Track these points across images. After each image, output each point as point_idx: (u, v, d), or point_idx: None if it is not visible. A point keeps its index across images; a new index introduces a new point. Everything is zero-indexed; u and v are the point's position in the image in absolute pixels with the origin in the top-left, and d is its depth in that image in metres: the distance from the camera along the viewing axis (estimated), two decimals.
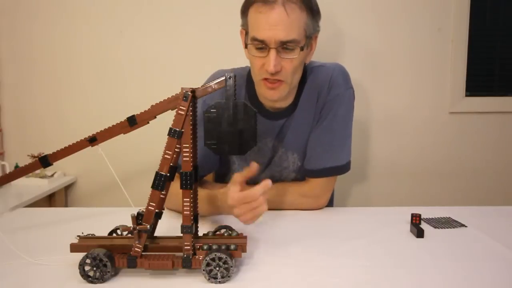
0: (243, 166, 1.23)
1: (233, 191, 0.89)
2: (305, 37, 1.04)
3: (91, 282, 0.73)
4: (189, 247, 0.74)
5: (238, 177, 0.91)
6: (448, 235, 0.96)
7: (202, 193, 1.00)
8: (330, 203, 1.33)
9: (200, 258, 0.74)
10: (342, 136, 1.17)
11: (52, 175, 1.82)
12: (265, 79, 1.05)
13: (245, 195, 0.87)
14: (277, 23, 0.98)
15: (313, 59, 1.22)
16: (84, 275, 0.73)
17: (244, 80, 1.19)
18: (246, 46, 1.07)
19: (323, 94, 1.14)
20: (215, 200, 1.01)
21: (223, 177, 1.29)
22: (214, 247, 0.74)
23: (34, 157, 1.70)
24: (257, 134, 0.75)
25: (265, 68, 1.02)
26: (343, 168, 1.17)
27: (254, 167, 0.91)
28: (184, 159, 0.74)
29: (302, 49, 1.02)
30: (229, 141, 0.74)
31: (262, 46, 1.02)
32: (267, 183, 0.87)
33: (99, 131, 0.76)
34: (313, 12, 1.05)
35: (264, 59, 1.02)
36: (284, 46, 1.01)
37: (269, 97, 1.09)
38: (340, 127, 1.16)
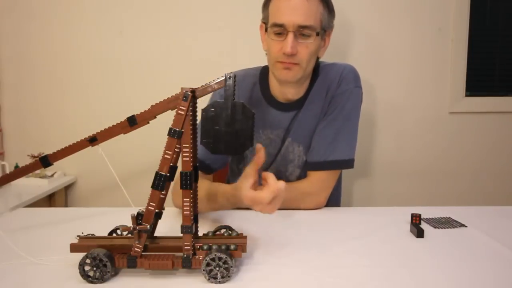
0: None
1: (245, 188, 0.86)
2: (321, 27, 1.10)
3: (91, 282, 0.73)
4: (189, 247, 0.74)
5: (248, 170, 0.88)
6: (448, 235, 0.96)
7: (201, 192, 1.01)
8: (337, 203, 1.34)
9: (200, 258, 0.74)
10: (346, 131, 1.18)
11: (52, 175, 1.82)
12: (282, 61, 1.10)
13: (255, 198, 0.85)
14: (297, 7, 1.06)
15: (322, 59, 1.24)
16: (84, 275, 0.73)
17: (258, 77, 1.23)
18: (266, 30, 1.13)
19: (333, 88, 1.18)
20: (215, 197, 1.02)
21: (235, 171, 1.32)
22: (214, 247, 0.74)
23: (34, 157, 1.70)
24: (253, 136, 0.75)
25: (283, 50, 1.07)
26: (345, 164, 1.17)
27: (261, 152, 0.86)
28: (184, 159, 0.74)
29: (318, 34, 1.08)
30: (226, 140, 0.74)
31: (281, 31, 1.08)
32: (275, 187, 0.84)
33: (99, 131, 0.76)
34: (329, 7, 1.13)
35: (282, 42, 1.08)
36: (301, 32, 1.07)
37: (283, 77, 1.12)
38: (345, 121, 1.18)
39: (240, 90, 1.20)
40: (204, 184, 1.05)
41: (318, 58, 1.17)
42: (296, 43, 1.07)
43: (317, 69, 1.20)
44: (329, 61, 1.25)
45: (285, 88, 1.17)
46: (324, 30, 1.12)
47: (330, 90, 1.18)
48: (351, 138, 1.19)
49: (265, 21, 1.14)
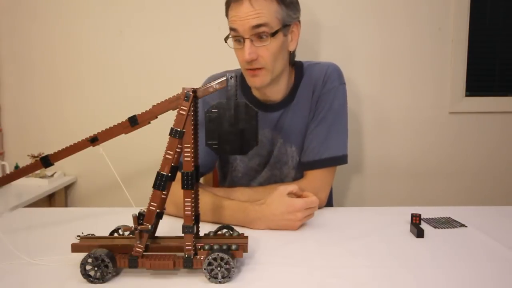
0: (244, 162, 1.25)
1: (283, 186, 1.02)
2: (280, 24, 1.08)
3: (92, 282, 0.73)
4: (190, 247, 0.74)
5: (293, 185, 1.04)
6: (448, 235, 0.96)
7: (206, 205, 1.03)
8: (329, 203, 1.33)
9: (202, 258, 0.74)
10: (337, 128, 1.20)
11: (52, 175, 1.82)
12: (248, 69, 1.11)
13: (308, 202, 1.00)
14: (246, 13, 1.05)
15: (311, 59, 1.24)
16: (85, 275, 0.73)
17: (238, 79, 1.22)
18: (225, 41, 1.13)
19: (318, 88, 1.20)
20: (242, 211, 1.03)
21: (225, 175, 1.32)
22: (216, 247, 0.74)
23: (34, 157, 1.70)
24: (258, 134, 0.75)
25: (243, 58, 1.08)
26: (339, 160, 1.19)
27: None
28: (186, 159, 0.74)
29: (273, 35, 1.07)
30: (230, 141, 0.74)
31: (239, 38, 1.08)
32: (312, 199, 1.01)
33: (100, 131, 0.76)
34: (285, 2, 1.10)
35: (242, 50, 1.08)
36: (257, 34, 1.06)
37: (252, 84, 1.15)
38: (335, 119, 1.20)
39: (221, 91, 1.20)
40: (208, 197, 1.06)
41: (292, 52, 1.17)
42: (254, 48, 1.06)
43: (301, 69, 1.22)
44: (313, 60, 1.26)
45: (261, 90, 1.18)
46: (286, 25, 1.10)
47: (316, 90, 1.20)
48: (343, 134, 1.21)
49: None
